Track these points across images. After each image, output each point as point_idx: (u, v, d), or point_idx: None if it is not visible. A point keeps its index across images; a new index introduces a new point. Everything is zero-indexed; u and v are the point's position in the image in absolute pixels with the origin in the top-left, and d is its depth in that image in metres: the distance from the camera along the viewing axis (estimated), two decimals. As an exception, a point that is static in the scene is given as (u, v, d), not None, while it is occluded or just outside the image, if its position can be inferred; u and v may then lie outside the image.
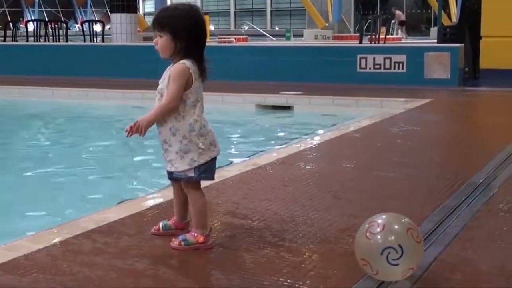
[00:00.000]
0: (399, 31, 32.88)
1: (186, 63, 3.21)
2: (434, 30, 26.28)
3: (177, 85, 3.19)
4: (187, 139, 3.24)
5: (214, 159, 3.32)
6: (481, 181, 4.78)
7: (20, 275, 2.99)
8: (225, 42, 22.05)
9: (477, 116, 9.45)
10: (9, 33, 21.04)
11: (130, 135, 3.19)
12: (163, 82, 3.27)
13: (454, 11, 35.19)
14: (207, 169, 3.30)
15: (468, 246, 3.41)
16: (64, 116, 10.97)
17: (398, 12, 34.41)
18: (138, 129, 3.17)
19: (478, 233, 3.63)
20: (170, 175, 3.34)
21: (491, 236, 3.59)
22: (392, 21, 32.18)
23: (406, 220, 2.87)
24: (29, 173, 6.72)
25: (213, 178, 3.40)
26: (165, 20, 3.26)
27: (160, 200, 4.27)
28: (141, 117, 3.21)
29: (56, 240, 3.44)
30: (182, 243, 3.29)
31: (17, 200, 5.59)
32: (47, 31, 20.14)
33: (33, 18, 48.99)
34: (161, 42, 3.25)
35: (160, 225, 3.52)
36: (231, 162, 6.09)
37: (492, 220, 3.89)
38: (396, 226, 2.82)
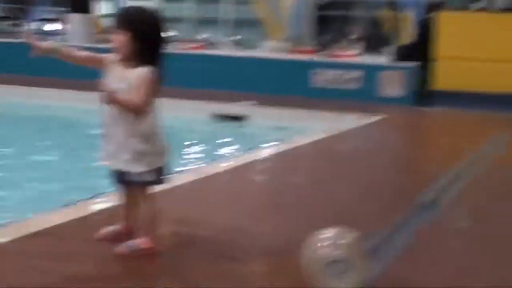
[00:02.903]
0: (356, 47, 33.10)
1: (153, 70, 3.20)
2: (390, 49, 26.50)
3: (148, 91, 3.18)
4: (145, 142, 3.22)
5: (167, 164, 3.32)
6: (428, 199, 4.83)
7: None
8: (183, 49, 21.94)
9: (428, 135, 9.55)
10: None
11: (104, 88, 3.13)
12: (122, 82, 3.20)
13: (410, 31, 35.62)
14: (162, 173, 3.30)
15: (412, 263, 3.44)
16: (8, 116, 10.76)
17: (355, 28, 34.77)
18: (111, 96, 3.11)
19: (423, 251, 3.67)
20: (119, 177, 3.31)
21: (434, 254, 3.62)
22: (350, 38, 32.42)
23: (352, 234, 2.89)
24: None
25: (166, 182, 3.40)
26: (128, 19, 3.24)
27: (108, 204, 4.21)
28: (118, 94, 3.15)
29: (1, 240, 3.38)
30: (129, 249, 3.26)
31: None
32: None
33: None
34: (120, 40, 3.22)
35: (107, 230, 3.48)
36: (182, 170, 6.06)
37: (435, 239, 3.93)
38: (342, 240, 2.84)
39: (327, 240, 2.83)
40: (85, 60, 3.45)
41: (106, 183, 3.55)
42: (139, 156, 3.21)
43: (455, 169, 6.07)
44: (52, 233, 3.57)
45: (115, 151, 3.26)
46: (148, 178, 3.25)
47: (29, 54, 3.35)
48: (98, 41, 18.75)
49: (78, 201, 4.47)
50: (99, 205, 4.28)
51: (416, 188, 5.33)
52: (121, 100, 3.15)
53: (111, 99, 3.10)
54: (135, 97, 3.17)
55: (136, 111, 3.18)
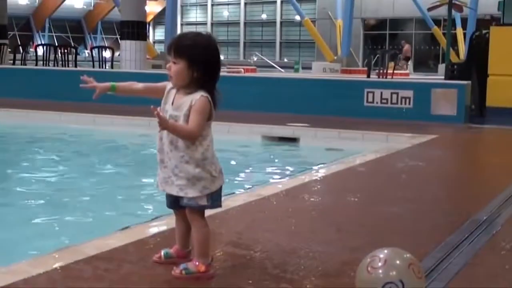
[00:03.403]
0: (404, 66, 33.00)
1: (208, 96, 3.21)
2: (442, 67, 26.38)
3: (202, 117, 3.19)
4: (200, 167, 3.23)
5: (221, 187, 3.34)
6: (484, 218, 4.77)
7: (20, 298, 2.99)
8: (233, 72, 22.15)
9: (482, 154, 9.44)
10: (18, 56, 21.16)
11: (156, 115, 3.08)
12: (178, 109, 3.23)
13: (463, 48, 35.34)
14: (218, 197, 3.32)
15: (469, 283, 3.40)
16: (71, 141, 10.99)
17: (407, 46, 34.52)
18: (163, 124, 3.10)
19: (480, 271, 3.62)
20: (174, 202, 3.34)
21: (493, 274, 3.58)
22: (399, 55, 32.34)
23: (408, 255, 2.87)
24: (31, 196, 6.72)
25: (221, 206, 3.41)
26: (184, 47, 3.23)
27: (163, 227, 4.26)
28: (170, 121, 3.18)
29: (57, 265, 3.43)
30: (184, 272, 3.28)
31: (18, 223, 5.59)
32: (57, 55, 20.24)
33: (43, 42, 49.37)
34: (176, 69, 3.23)
35: (162, 253, 3.51)
36: (235, 192, 6.09)
37: (494, 258, 3.88)
38: (397, 261, 2.82)
39: (382, 261, 2.81)
40: (145, 92, 3.50)
41: (161, 207, 3.59)
42: (193, 181, 3.23)
43: (510, 187, 5.98)
44: (108, 257, 3.61)
45: (169, 177, 3.29)
46: (203, 202, 3.26)
47: (92, 96, 3.42)
48: (152, 67, 19.06)
49: (134, 225, 4.51)
50: (154, 228, 4.33)
51: (472, 206, 5.28)
52: (175, 126, 3.19)
53: (165, 126, 3.13)
54: (189, 123, 3.19)
55: (190, 137, 3.20)
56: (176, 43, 3.27)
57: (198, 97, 3.20)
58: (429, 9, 24.90)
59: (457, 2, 21.97)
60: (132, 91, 3.53)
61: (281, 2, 56.05)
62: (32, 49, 29.33)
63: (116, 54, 22.78)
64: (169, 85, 3.35)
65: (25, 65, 20.77)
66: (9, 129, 11.85)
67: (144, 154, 9.51)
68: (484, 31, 13.46)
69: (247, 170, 8.71)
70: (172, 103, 3.29)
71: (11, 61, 20.63)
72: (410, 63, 33.77)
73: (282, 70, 34.60)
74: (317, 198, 5.55)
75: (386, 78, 15.97)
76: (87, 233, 4.95)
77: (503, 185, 6.13)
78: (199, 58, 3.21)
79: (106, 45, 48.63)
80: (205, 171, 3.24)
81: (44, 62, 19.88)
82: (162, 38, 41.76)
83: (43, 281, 3.22)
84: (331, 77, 20.61)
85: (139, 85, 3.51)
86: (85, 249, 3.75)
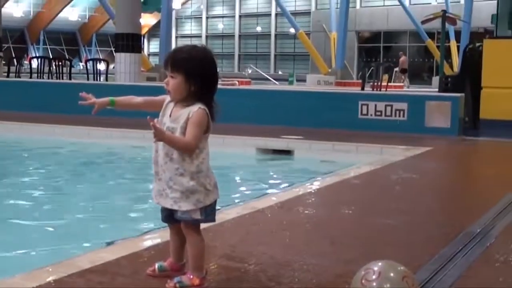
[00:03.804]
0: (401, 78, 33.07)
1: (205, 108, 3.21)
2: (435, 79, 26.47)
3: (199, 130, 3.19)
4: (194, 180, 3.22)
5: (216, 201, 3.33)
6: (478, 230, 4.78)
7: (13, 312, 2.98)
8: (228, 84, 22.17)
9: (475, 166, 9.46)
10: (12, 69, 21.15)
11: (152, 126, 3.08)
12: (175, 121, 3.23)
13: (456, 61, 35.49)
14: (212, 211, 3.31)
15: (463, 296, 3.40)
16: (65, 154, 10.98)
17: (403, 58, 34.57)
18: (159, 135, 3.11)
19: (474, 283, 3.62)
20: (168, 216, 3.33)
21: (487, 286, 3.58)
22: (395, 69, 32.41)
23: (402, 268, 2.87)
24: (24, 210, 6.71)
25: (215, 220, 3.40)
26: (180, 61, 3.22)
27: (157, 240, 4.25)
28: (167, 132, 3.18)
29: (50, 278, 3.42)
30: (178, 285, 3.27)
31: (11, 237, 5.57)
32: (51, 68, 20.26)
33: (37, 55, 49.40)
34: (173, 83, 3.22)
35: (156, 266, 3.50)
36: (230, 205, 6.09)
37: (488, 270, 3.88)
38: (391, 274, 2.82)
39: (377, 273, 2.81)
40: (144, 105, 3.50)
41: (155, 220, 3.58)
42: (187, 194, 3.22)
43: (504, 199, 5.99)
44: (101, 270, 3.61)
45: (164, 189, 3.29)
46: (196, 216, 3.25)
47: (92, 112, 3.43)
48: (146, 79, 19.07)
49: (127, 238, 4.51)
50: (148, 241, 4.32)
51: (466, 219, 5.28)
52: (171, 138, 3.19)
53: (161, 137, 3.13)
54: (186, 135, 3.19)
55: (187, 149, 3.20)
56: (172, 57, 3.27)
57: (196, 109, 3.20)
58: (423, 22, 25.03)
59: (450, 15, 22.09)
60: (131, 105, 3.53)
61: (276, 15, 56.29)
62: (26, 62, 29.33)
63: (111, 66, 22.79)
64: (167, 98, 3.35)
65: (20, 77, 20.77)
66: (2, 142, 11.83)
67: (139, 166, 9.50)
68: (477, 44, 13.53)
69: (241, 183, 8.72)
70: (170, 115, 3.29)
71: (5, 74, 20.63)
72: (406, 77, 33.78)
73: (277, 82, 34.67)
74: (312, 211, 5.55)
75: (380, 90, 16.00)
76: (80, 246, 4.94)
77: (497, 197, 6.14)
78: (195, 71, 3.21)
79: (101, 57, 48.72)
80: (199, 184, 3.23)
81: (39, 74, 19.91)
82: (157, 50, 41.80)
83: (36, 294, 3.22)
84: (326, 89, 20.65)
85: (138, 99, 3.51)
86: (78, 262, 3.74)
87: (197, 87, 3.21)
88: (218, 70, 3.37)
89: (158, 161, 3.29)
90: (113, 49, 42.41)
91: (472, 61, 13.20)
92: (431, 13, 23.61)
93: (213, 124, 3.30)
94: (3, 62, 21.54)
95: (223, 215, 5.01)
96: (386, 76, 19.11)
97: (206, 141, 3.28)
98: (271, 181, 8.73)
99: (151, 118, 3.09)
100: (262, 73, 40.87)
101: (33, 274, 3.54)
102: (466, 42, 22.50)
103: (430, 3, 45.78)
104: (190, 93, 3.22)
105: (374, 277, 2.80)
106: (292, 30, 46.06)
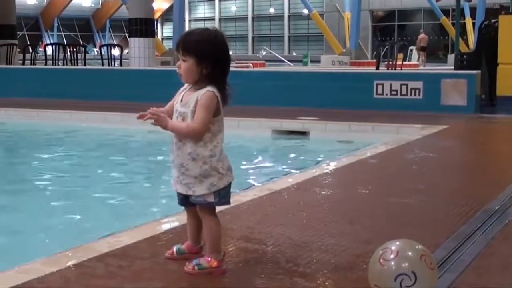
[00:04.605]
0: (420, 57, 32.84)
1: (214, 91, 3.19)
2: (451, 57, 26.31)
3: (208, 112, 3.17)
4: (207, 164, 3.21)
5: (230, 184, 3.33)
6: (496, 208, 4.76)
7: (34, 297, 3.00)
8: (242, 67, 22.14)
9: (493, 143, 9.41)
10: (28, 56, 21.19)
11: (146, 119, 3.15)
12: (185, 106, 3.22)
13: (472, 38, 35.22)
14: (226, 194, 3.30)
15: (482, 273, 3.39)
16: (81, 139, 11.03)
17: (422, 35, 34.27)
18: (160, 123, 3.15)
19: (493, 261, 3.61)
20: (184, 199, 3.34)
21: (506, 264, 3.57)
22: (410, 47, 32.18)
23: (420, 246, 2.86)
24: (44, 196, 6.76)
25: (229, 203, 3.40)
26: (191, 44, 3.20)
27: (175, 224, 4.27)
28: (170, 120, 3.20)
29: (70, 263, 3.45)
30: (196, 267, 3.29)
31: (31, 222, 5.62)
32: (66, 54, 20.28)
33: (52, 41, 49.49)
34: (185, 66, 3.21)
35: (174, 249, 3.52)
36: (247, 187, 6.10)
37: (507, 247, 3.87)
38: (409, 253, 2.81)
39: (394, 253, 2.81)
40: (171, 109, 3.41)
41: (173, 203, 3.59)
42: (200, 178, 3.22)
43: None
44: (120, 254, 3.63)
45: (177, 176, 3.29)
46: (210, 199, 3.25)
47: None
48: (161, 64, 19.08)
49: (146, 222, 4.52)
50: (166, 225, 4.33)
51: (484, 196, 5.26)
52: (174, 125, 3.20)
53: (163, 125, 3.16)
54: (194, 120, 3.18)
55: (194, 134, 3.18)
56: (183, 41, 3.25)
57: (204, 91, 3.19)
58: (437, -1, 24.80)
59: (465, -8, 21.87)
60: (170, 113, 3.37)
61: (289, -4, 56.02)
62: (41, 49, 29.38)
63: (125, 51, 22.79)
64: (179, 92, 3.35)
65: (35, 64, 20.82)
66: (19, 128, 11.90)
67: (155, 151, 9.53)
68: (493, 20, 13.41)
69: (257, 165, 8.72)
70: (181, 100, 3.29)
71: (21, 61, 20.69)
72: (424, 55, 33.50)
73: (291, 64, 34.59)
74: (329, 191, 5.55)
75: (395, 69, 15.91)
76: (99, 230, 4.97)
77: (515, 174, 6.11)
78: (207, 54, 3.19)
79: (115, 43, 48.71)
80: (212, 168, 3.22)
81: (54, 61, 19.94)
82: (170, 34, 41.68)
83: (56, 279, 3.24)
84: (340, 70, 20.57)
85: (167, 107, 3.37)
86: (97, 246, 3.77)
87: (209, 70, 3.20)
88: (230, 53, 3.35)
89: (173, 148, 3.29)
90: (126, 34, 42.41)
91: (488, 37, 13.10)
92: (445, -10, 23.38)
93: (228, 106, 3.29)
94: (18, 49, 21.61)
95: (239, 197, 5.02)
96: (401, 55, 18.98)
97: (220, 124, 3.26)
98: (288, 163, 8.73)
99: (143, 114, 3.13)
100: (276, 55, 40.78)
101: (52, 259, 3.57)
102: (481, 19, 22.32)
103: (444, -20, 45.46)
104: (202, 76, 3.21)
105: (392, 256, 2.79)
106: (305, 11, 45.90)
